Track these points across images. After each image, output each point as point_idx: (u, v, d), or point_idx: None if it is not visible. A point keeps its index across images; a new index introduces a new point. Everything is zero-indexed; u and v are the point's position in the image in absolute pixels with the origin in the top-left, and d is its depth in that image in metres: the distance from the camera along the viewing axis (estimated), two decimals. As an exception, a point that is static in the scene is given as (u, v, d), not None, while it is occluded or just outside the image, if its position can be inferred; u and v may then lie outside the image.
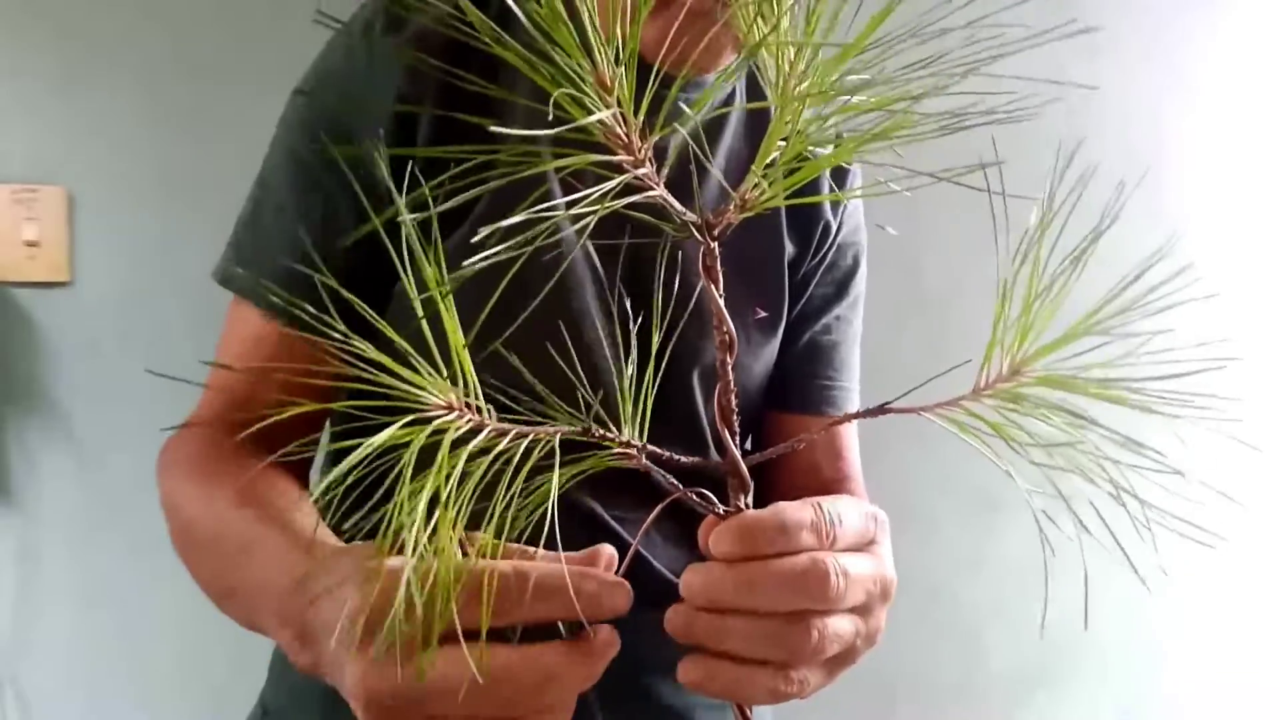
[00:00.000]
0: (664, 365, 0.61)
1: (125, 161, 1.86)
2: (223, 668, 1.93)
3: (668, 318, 0.73)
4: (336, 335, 0.43)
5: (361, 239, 0.80)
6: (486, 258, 0.36)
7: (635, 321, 0.67)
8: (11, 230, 1.81)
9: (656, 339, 0.61)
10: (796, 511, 0.56)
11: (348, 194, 0.81)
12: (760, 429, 1.01)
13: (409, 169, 0.79)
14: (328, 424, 0.91)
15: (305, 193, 0.84)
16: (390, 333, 0.45)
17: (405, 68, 0.81)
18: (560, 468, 0.59)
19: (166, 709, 1.93)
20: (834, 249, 0.98)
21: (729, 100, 0.91)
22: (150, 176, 1.87)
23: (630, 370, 0.57)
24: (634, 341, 0.63)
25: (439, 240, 0.41)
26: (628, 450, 0.55)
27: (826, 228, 0.96)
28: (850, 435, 1.02)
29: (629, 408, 0.57)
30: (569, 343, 0.72)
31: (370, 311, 0.46)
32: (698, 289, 0.74)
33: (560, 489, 0.48)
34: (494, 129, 0.36)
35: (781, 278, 0.94)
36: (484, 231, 0.37)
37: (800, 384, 1.00)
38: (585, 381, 0.61)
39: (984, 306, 0.49)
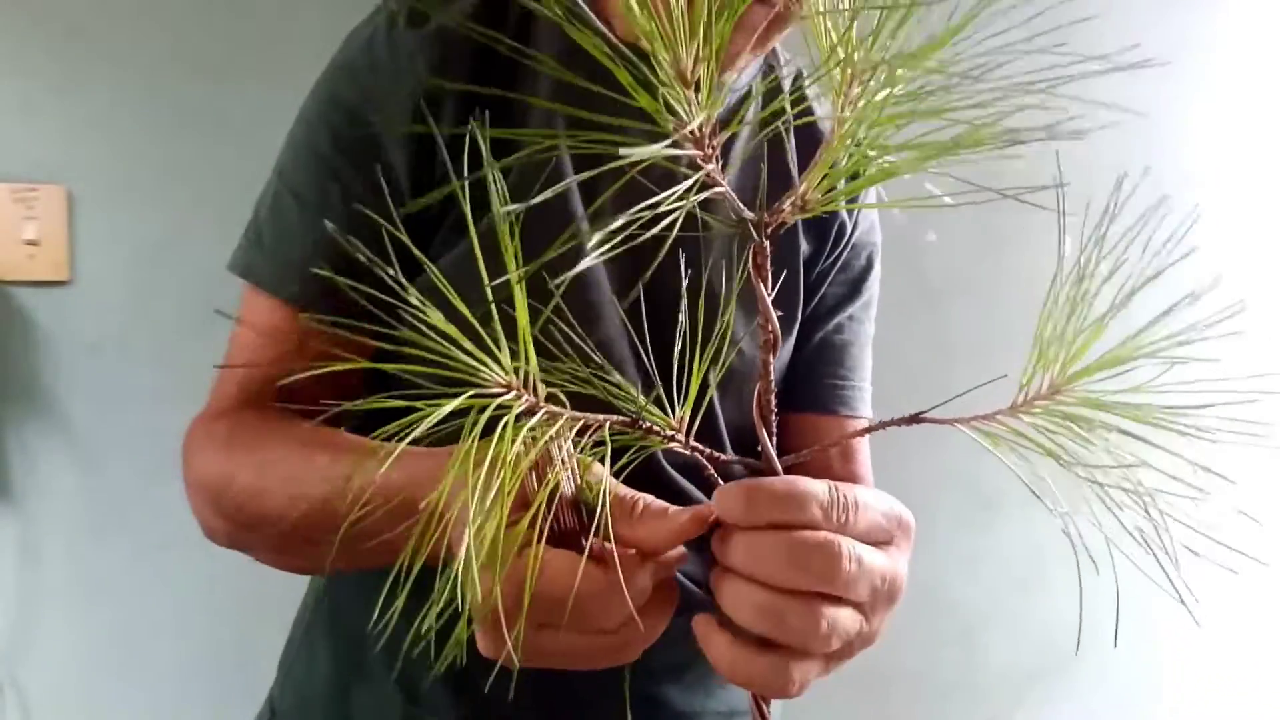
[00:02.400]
0: (680, 360, 0.62)
1: (125, 161, 1.86)
2: (223, 668, 1.92)
3: (683, 313, 0.73)
4: (412, 302, 0.44)
5: (383, 230, 0.81)
6: (610, 248, 0.37)
7: (641, 316, 0.68)
8: (11, 229, 1.80)
9: (715, 337, 0.60)
10: (809, 484, 0.55)
11: (367, 185, 0.81)
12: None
13: (437, 157, 0.81)
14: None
15: (325, 184, 0.84)
16: (461, 306, 0.45)
17: (428, 62, 0.82)
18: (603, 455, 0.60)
19: (166, 709, 1.92)
20: (849, 248, 0.99)
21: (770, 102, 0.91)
22: (150, 176, 1.87)
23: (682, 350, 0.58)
24: (642, 340, 0.63)
25: (517, 228, 0.42)
26: (675, 438, 0.56)
27: (842, 227, 0.97)
28: (864, 445, 1.02)
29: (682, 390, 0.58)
30: (590, 336, 0.70)
31: (443, 280, 0.46)
32: (703, 281, 0.74)
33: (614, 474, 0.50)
34: (568, 112, 0.37)
35: (797, 276, 0.95)
36: (621, 219, 0.37)
37: (812, 384, 1.00)
38: (610, 372, 0.62)
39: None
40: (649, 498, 0.60)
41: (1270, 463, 2.08)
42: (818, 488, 0.54)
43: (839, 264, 0.99)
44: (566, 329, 0.63)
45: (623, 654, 0.59)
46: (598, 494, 0.56)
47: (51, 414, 1.85)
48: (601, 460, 0.56)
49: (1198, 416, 0.47)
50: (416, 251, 0.48)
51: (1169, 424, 0.48)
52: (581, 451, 0.53)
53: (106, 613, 1.89)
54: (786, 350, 0.96)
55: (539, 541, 0.54)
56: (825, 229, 0.96)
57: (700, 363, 0.55)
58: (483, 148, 0.43)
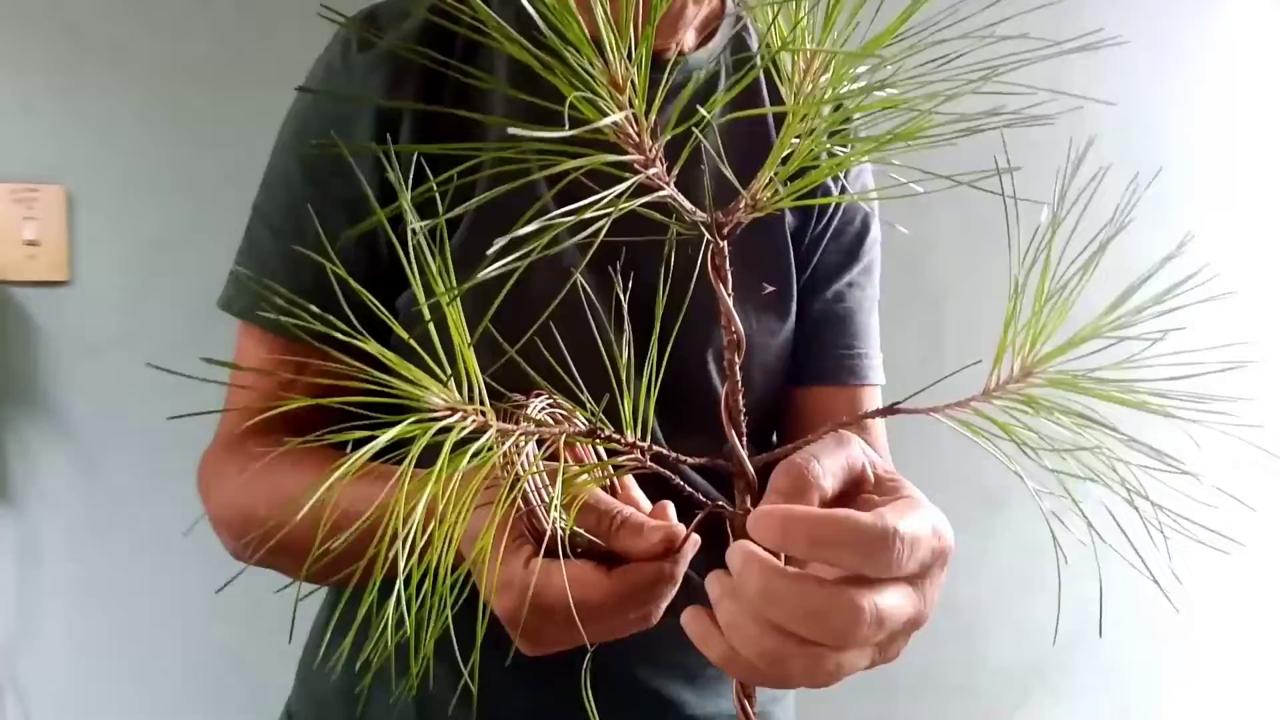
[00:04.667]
0: (669, 352, 0.61)
1: (125, 161, 1.86)
2: (223, 667, 1.93)
3: (662, 306, 0.72)
4: (339, 338, 0.44)
5: (359, 254, 0.82)
6: (499, 265, 0.36)
7: (626, 311, 0.67)
8: (11, 230, 1.80)
9: (656, 331, 0.60)
10: (857, 524, 0.49)
11: (339, 211, 0.84)
12: (787, 406, 0.98)
13: (398, 180, 0.81)
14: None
15: (298, 212, 0.86)
16: (401, 331, 0.45)
17: (384, 82, 0.85)
18: (568, 469, 0.60)
19: (166, 709, 1.93)
20: (839, 213, 0.95)
21: (721, 84, 0.90)
22: (150, 176, 1.87)
23: (626, 363, 0.57)
24: (626, 337, 0.62)
25: (445, 243, 0.41)
26: (633, 451, 0.55)
27: (826, 192, 0.92)
28: (878, 422, 0.98)
29: (629, 407, 0.57)
30: (570, 343, 0.70)
31: (382, 309, 0.45)
32: (695, 271, 0.73)
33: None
34: (512, 130, 0.36)
35: (786, 251, 0.92)
36: (500, 243, 0.36)
37: (818, 356, 0.96)
38: (581, 382, 0.61)
39: (983, 304, 0.48)
40: (628, 511, 0.60)
41: (1238, 434, 2.05)
42: (866, 532, 0.49)
43: (830, 231, 0.95)
44: (546, 338, 0.63)
45: (644, 623, 0.63)
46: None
47: (51, 414, 1.85)
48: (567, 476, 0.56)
49: (1159, 391, 0.46)
50: (407, 267, 0.47)
51: (1136, 400, 0.47)
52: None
53: (106, 613, 1.90)
54: (789, 327, 0.93)
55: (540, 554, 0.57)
56: (807, 197, 0.91)
57: (654, 369, 0.54)
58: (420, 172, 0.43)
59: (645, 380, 0.58)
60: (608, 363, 0.60)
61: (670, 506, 0.64)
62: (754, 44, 0.93)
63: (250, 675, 1.86)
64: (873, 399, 0.99)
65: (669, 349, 0.62)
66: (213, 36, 1.87)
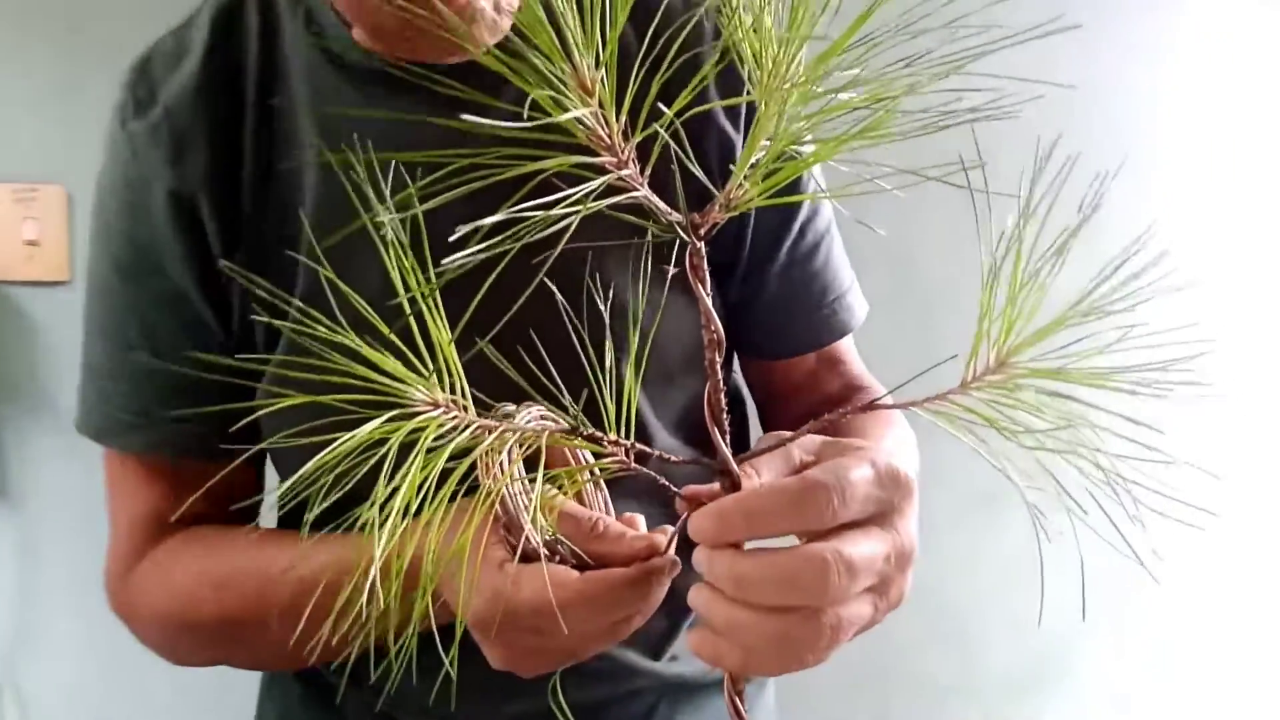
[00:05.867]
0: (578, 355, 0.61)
1: (125, 161, 1.86)
2: (222, 668, 1.93)
3: (642, 304, 0.71)
4: (322, 331, 0.44)
5: (215, 330, 0.78)
6: (469, 255, 0.36)
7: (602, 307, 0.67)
8: (11, 229, 1.81)
9: (635, 339, 0.60)
10: (781, 490, 0.52)
11: (163, 307, 0.79)
12: (748, 376, 0.95)
13: (216, 244, 0.77)
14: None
15: (121, 316, 0.80)
16: (382, 327, 0.45)
17: (164, 154, 0.77)
18: (550, 468, 0.60)
19: (166, 709, 1.93)
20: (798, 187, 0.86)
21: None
22: (150, 176, 1.87)
23: (605, 362, 0.57)
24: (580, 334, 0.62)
25: (425, 239, 0.42)
26: (616, 451, 0.55)
27: (727, 147, 0.82)
28: (844, 345, 0.94)
29: (613, 407, 0.57)
30: (543, 343, 0.67)
31: (363, 304, 0.45)
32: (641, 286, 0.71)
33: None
34: (467, 118, 0.36)
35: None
36: (461, 230, 0.37)
37: (792, 326, 0.91)
38: (560, 381, 0.61)
39: (972, 298, 0.49)
40: (607, 520, 0.61)
41: (1212, 416, 2.05)
42: (789, 490, 0.51)
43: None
44: (518, 339, 0.62)
45: (613, 640, 0.63)
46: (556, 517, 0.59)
47: (51, 414, 1.85)
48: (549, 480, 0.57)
49: (1142, 375, 0.47)
50: (388, 262, 0.47)
51: (1113, 385, 0.47)
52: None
53: (106, 613, 1.89)
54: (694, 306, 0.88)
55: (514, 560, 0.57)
56: (706, 161, 0.81)
57: (634, 371, 0.55)
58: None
59: (628, 379, 0.58)
60: (584, 362, 0.60)
61: (640, 520, 0.64)
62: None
63: (250, 675, 1.86)
64: (841, 342, 0.93)
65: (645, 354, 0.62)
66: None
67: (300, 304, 0.44)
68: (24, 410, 1.85)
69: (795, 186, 0.84)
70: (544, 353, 0.62)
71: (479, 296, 0.44)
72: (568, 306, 0.64)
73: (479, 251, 0.36)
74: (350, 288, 0.46)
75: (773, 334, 0.91)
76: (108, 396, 0.83)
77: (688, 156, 0.42)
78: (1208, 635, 2.30)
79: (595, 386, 0.56)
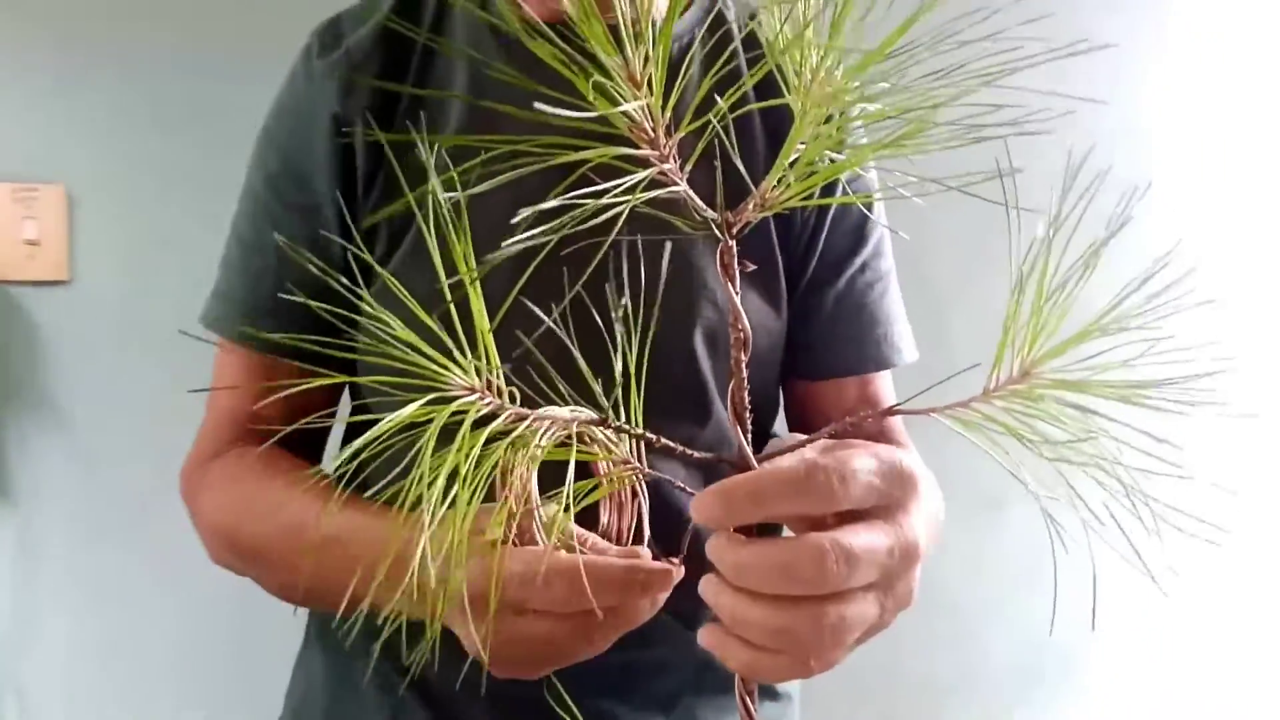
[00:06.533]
0: (653, 332, 0.62)
1: (124, 161, 1.86)
2: (222, 667, 1.93)
3: (660, 294, 0.72)
4: (368, 311, 0.45)
5: (329, 258, 0.84)
6: (522, 240, 0.37)
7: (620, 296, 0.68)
8: (11, 229, 1.81)
9: (635, 334, 0.61)
10: (782, 471, 0.52)
11: (296, 218, 0.87)
12: (795, 394, 0.97)
13: (359, 179, 0.86)
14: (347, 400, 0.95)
15: (259, 223, 0.90)
16: (420, 312, 0.45)
17: (339, 85, 0.86)
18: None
19: (166, 709, 1.93)
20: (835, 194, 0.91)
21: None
22: (149, 176, 1.87)
23: (623, 355, 0.58)
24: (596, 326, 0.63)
25: (468, 224, 0.42)
26: (640, 443, 0.55)
27: (830, 189, 0.85)
28: (885, 386, 0.98)
29: (627, 399, 0.58)
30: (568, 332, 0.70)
31: (401, 288, 0.46)
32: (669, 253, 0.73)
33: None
34: (540, 107, 0.36)
35: (767, 230, 0.90)
36: (525, 212, 0.37)
37: (837, 348, 0.95)
38: (587, 368, 0.62)
39: (988, 306, 0.49)
40: (595, 539, 0.64)
41: (1232, 432, 2.07)
42: (792, 471, 0.52)
43: (831, 215, 0.92)
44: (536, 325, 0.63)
45: (592, 643, 0.64)
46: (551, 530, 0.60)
47: (51, 414, 1.85)
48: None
49: (1165, 390, 0.47)
50: (431, 246, 0.48)
51: (1137, 399, 0.47)
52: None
53: (106, 613, 1.90)
54: (771, 311, 0.91)
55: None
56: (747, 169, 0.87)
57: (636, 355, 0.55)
58: (425, 150, 0.43)
59: (643, 372, 0.59)
60: (611, 354, 0.61)
61: (645, 552, 0.66)
62: (730, 17, 0.91)
63: (250, 675, 1.86)
64: (883, 381, 0.97)
65: (659, 333, 0.63)
66: (213, 36, 1.87)
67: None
68: (24, 410, 1.84)
69: (863, 220, 0.94)
70: (581, 341, 0.63)
71: (520, 283, 0.45)
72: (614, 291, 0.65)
73: (534, 236, 0.36)
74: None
75: (815, 353, 0.95)
76: (230, 290, 0.91)
77: (732, 147, 0.42)
78: (1208, 636, 2.31)
79: (624, 376, 0.57)
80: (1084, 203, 0.45)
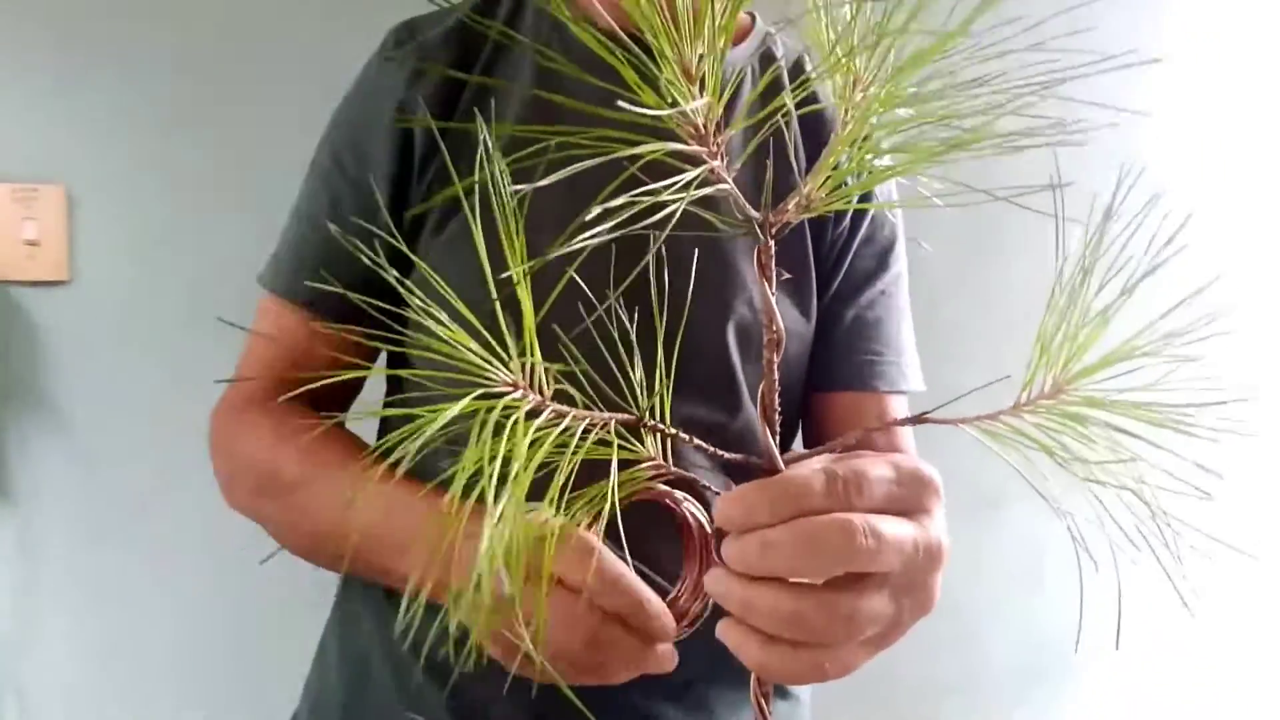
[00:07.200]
0: (686, 325, 0.63)
1: (125, 161, 1.86)
2: (222, 667, 1.92)
3: (691, 288, 0.74)
4: (415, 304, 0.45)
5: (386, 234, 0.86)
6: (590, 238, 0.37)
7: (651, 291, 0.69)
8: (11, 229, 1.80)
9: (659, 325, 0.61)
10: (803, 472, 0.53)
11: (354, 195, 0.92)
12: (806, 404, 0.99)
13: (415, 163, 0.90)
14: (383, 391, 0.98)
15: (319, 196, 0.95)
16: (464, 310, 0.45)
17: (407, 75, 0.91)
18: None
19: (166, 709, 1.92)
20: (868, 219, 0.97)
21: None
22: (149, 175, 1.87)
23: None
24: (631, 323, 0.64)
25: (520, 219, 0.43)
26: (674, 441, 0.56)
27: (866, 198, 0.92)
28: (900, 409, 1.00)
29: (655, 401, 0.58)
30: (597, 329, 0.71)
31: (444, 285, 0.47)
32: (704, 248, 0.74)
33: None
34: (622, 105, 0.37)
35: (803, 239, 0.93)
36: (596, 210, 0.37)
37: (850, 360, 0.98)
38: (604, 368, 0.62)
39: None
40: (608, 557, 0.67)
41: (1265, 459, 2.08)
42: (811, 477, 0.53)
43: (860, 237, 0.97)
44: (568, 327, 0.64)
45: (601, 674, 0.69)
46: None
47: (51, 414, 1.85)
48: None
49: (1198, 414, 0.47)
50: (479, 244, 0.48)
51: (1170, 423, 0.47)
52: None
53: (106, 613, 1.89)
54: (802, 319, 0.94)
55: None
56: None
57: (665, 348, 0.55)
58: (489, 138, 0.44)
59: (671, 372, 0.59)
60: (630, 346, 0.62)
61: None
62: (779, 52, 0.95)
63: (250, 675, 1.86)
64: (901, 405, 1.00)
65: (692, 322, 0.65)
66: (213, 37, 1.87)
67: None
68: (24, 410, 1.84)
69: (889, 246, 0.99)
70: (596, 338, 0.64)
71: (558, 286, 0.45)
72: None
73: (598, 234, 0.36)
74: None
75: (831, 364, 0.98)
76: (286, 254, 0.97)
77: (797, 148, 0.42)
78: (1208, 637, 2.32)
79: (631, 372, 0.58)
80: (1130, 230, 0.45)
